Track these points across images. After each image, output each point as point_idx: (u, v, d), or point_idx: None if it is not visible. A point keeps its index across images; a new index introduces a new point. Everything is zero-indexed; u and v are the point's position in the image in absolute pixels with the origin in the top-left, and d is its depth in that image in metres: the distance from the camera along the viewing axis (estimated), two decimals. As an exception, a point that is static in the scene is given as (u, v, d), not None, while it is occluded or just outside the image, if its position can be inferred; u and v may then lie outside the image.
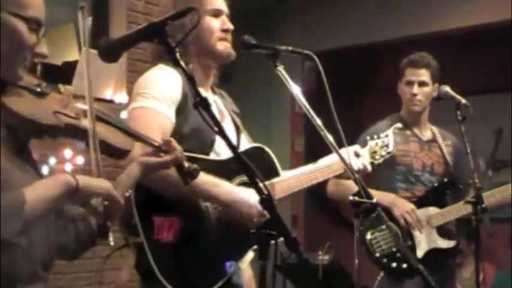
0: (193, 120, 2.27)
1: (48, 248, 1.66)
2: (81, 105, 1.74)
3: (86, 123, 1.69)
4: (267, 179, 2.38)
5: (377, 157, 2.68)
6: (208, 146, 2.32)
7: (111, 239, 1.65)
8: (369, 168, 2.61)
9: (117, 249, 2.26)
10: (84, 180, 1.57)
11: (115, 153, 1.80)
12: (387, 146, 2.70)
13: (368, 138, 2.73)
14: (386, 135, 2.72)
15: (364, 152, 2.64)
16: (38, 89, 1.66)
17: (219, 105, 2.51)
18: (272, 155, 2.47)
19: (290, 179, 2.46)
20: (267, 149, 2.48)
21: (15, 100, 1.60)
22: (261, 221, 2.21)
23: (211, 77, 2.51)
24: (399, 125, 2.92)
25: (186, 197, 2.18)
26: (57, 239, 1.72)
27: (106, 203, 1.62)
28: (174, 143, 1.88)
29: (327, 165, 2.50)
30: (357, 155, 2.58)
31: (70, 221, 1.76)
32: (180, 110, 2.29)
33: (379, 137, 2.71)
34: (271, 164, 2.46)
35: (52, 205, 1.55)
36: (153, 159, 1.87)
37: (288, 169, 2.54)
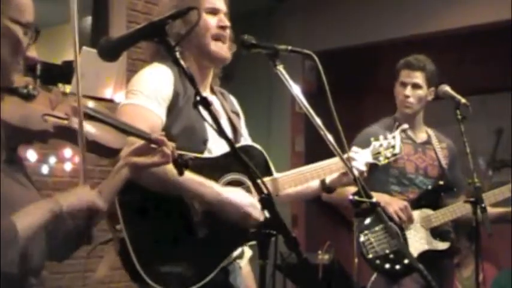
0: (184, 119, 2.26)
1: (39, 256, 1.65)
2: (71, 103, 1.72)
3: (75, 123, 1.67)
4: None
5: (380, 158, 2.65)
6: (201, 145, 2.31)
7: (93, 238, 1.66)
8: (359, 170, 2.55)
9: (102, 243, 2.25)
10: (67, 202, 1.58)
11: (105, 153, 1.78)
12: (393, 147, 2.67)
13: (372, 139, 2.71)
14: (393, 137, 2.70)
15: (365, 153, 2.62)
16: (25, 91, 1.64)
17: (216, 105, 2.49)
18: (265, 153, 2.46)
19: (292, 176, 2.45)
20: (259, 147, 2.47)
21: (2, 108, 1.58)
22: (248, 223, 2.20)
23: (209, 77, 2.50)
24: (406, 125, 2.90)
25: (171, 193, 2.16)
26: (47, 245, 1.71)
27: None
28: (167, 141, 1.88)
29: (327, 164, 2.49)
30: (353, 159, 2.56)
31: (59, 227, 1.75)
32: (171, 109, 2.28)
33: (385, 138, 2.70)
34: (264, 163, 2.45)
35: (39, 231, 1.57)
36: (142, 161, 1.87)
37: (288, 169, 2.53)
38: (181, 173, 1.90)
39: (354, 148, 2.63)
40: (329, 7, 6.59)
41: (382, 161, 2.66)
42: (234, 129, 2.51)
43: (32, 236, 1.54)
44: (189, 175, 2.11)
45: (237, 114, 2.60)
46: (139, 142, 1.90)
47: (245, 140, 2.54)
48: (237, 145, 2.44)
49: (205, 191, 2.19)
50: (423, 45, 3.83)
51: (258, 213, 2.21)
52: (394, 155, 2.68)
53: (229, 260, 2.33)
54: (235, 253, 2.37)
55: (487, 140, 4.37)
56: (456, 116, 3.22)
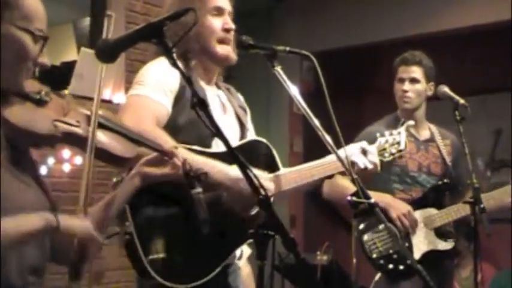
0: (190, 112, 2.26)
1: (39, 255, 1.66)
2: (84, 111, 1.74)
3: (86, 130, 1.68)
4: (266, 172, 2.38)
5: (386, 155, 2.62)
6: (208, 138, 2.31)
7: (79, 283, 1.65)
8: (379, 167, 2.55)
9: (108, 237, 2.25)
10: (65, 221, 1.57)
11: (114, 161, 1.79)
12: (398, 143, 2.63)
13: (378, 134, 2.70)
14: (399, 133, 2.67)
15: (372, 149, 2.61)
16: (38, 97, 1.66)
17: (223, 99, 2.50)
18: (272, 148, 2.45)
19: (294, 173, 2.44)
20: (266, 142, 2.46)
21: (13, 111, 1.60)
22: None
23: (215, 75, 2.50)
24: (412, 122, 2.88)
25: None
26: (50, 245, 1.72)
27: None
28: (178, 154, 1.89)
29: (329, 162, 2.46)
30: (364, 152, 2.54)
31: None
32: (177, 101, 2.29)
33: (391, 134, 2.68)
34: (270, 157, 2.45)
35: (28, 238, 1.56)
36: (155, 171, 1.88)
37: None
38: (192, 187, 1.89)
39: (363, 143, 2.61)
40: (328, 7, 6.59)
41: (387, 157, 2.63)
42: (241, 123, 2.52)
43: (21, 240, 1.53)
44: (198, 159, 2.13)
45: (244, 110, 2.60)
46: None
47: (251, 135, 2.54)
48: (243, 140, 2.45)
49: (214, 171, 2.16)
50: (423, 45, 3.81)
51: (270, 185, 2.25)
52: (399, 151, 2.65)
53: (230, 260, 2.33)
54: (236, 254, 2.37)
55: (487, 140, 4.37)
56: (455, 117, 3.22)
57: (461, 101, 3.27)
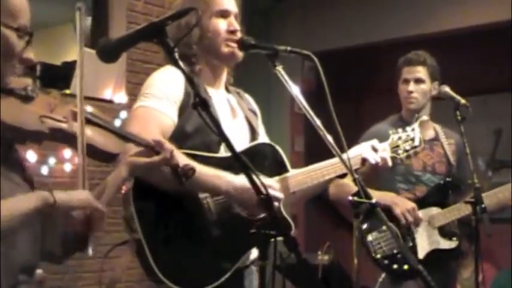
0: (197, 118, 2.26)
1: (31, 253, 1.65)
2: (70, 107, 1.73)
3: (73, 126, 1.68)
4: (275, 175, 2.39)
5: (399, 152, 2.61)
6: (216, 144, 2.31)
7: (90, 249, 1.64)
8: (390, 162, 2.55)
9: (119, 245, 2.26)
10: (61, 196, 1.56)
11: (103, 157, 1.79)
12: (413, 140, 2.63)
13: (391, 132, 2.68)
14: (413, 129, 2.65)
15: (385, 146, 2.59)
16: (23, 93, 1.65)
17: (232, 103, 2.50)
18: (280, 150, 2.46)
19: (304, 173, 2.44)
20: (274, 144, 2.47)
21: None
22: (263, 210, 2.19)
23: (223, 76, 2.50)
24: (425, 117, 2.85)
25: (184, 189, 2.16)
26: (42, 244, 1.71)
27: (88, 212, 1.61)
28: (166, 144, 1.89)
29: (338, 162, 2.43)
30: (374, 149, 2.54)
31: (56, 226, 1.75)
32: (183, 109, 2.29)
33: (404, 131, 2.66)
34: (279, 161, 2.45)
35: (25, 219, 1.53)
36: (141, 160, 1.87)
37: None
38: (181, 183, 1.89)
39: (374, 141, 2.61)
40: (328, 7, 6.60)
41: (401, 154, 2.62)
42: (251, 127, 2.52)
43: (19, 222, 1.51)
44: (202, 169, 2.12)
45: (254, 113, 2.61)
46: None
47: (262, 138, 2.54)
48: (251, 143, 2.45)
49: (220, 182, 2.19)
50: (423, 45, 3.81)
51: (278, 193, 2.25)
52: (413, 147, 2.63)
53: (245, 263, 2.33)
54: (252, 257, 2.36)
55: (487, 141, 4.37)
56: (456, 117, 3.22)
57: (463, 101, 3.26)
